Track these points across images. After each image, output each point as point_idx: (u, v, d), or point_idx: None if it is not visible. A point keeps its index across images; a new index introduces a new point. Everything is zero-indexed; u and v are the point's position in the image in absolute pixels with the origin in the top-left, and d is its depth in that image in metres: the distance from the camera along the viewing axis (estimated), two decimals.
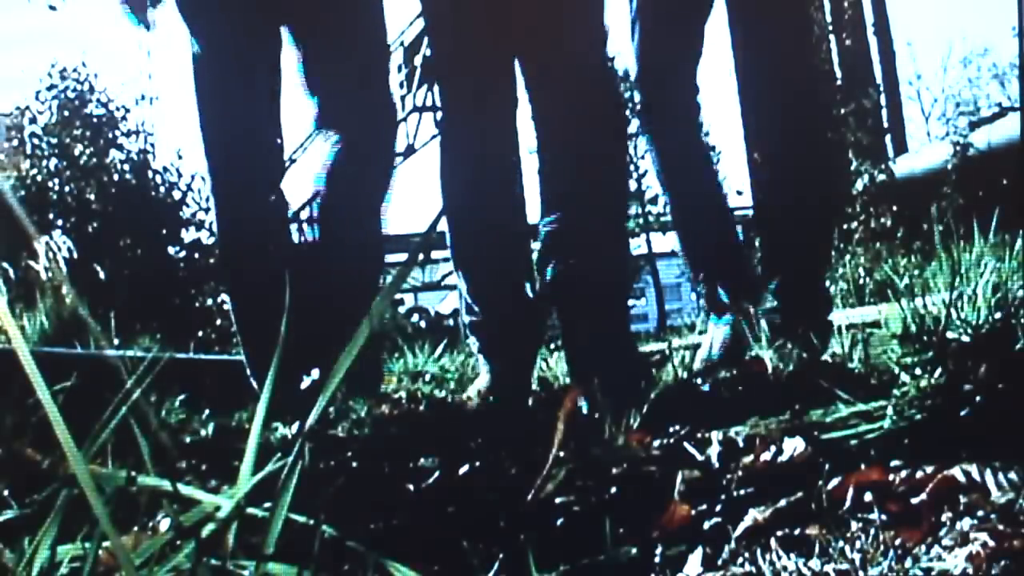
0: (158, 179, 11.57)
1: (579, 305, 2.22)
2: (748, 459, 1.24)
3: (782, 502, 0.99)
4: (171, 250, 11.36)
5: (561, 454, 1.23)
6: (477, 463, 1.40)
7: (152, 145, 11.79)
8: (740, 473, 1.17)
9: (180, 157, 11.85)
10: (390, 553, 0.64)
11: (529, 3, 2.22)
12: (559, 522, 1.06)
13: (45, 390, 0.57)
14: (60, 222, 10.67)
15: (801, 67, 2.54)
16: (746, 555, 0.88)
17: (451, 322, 13.75)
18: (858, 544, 0.84)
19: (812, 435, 1.26)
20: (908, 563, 0.80)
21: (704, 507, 1.03)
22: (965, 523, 0.85)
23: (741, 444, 1.34)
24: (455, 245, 2.37)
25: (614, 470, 1.25)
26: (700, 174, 2.65)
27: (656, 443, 1.47)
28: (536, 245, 2.32)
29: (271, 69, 2.31)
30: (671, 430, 1.55)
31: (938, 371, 1.36)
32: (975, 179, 8.97)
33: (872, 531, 0.87)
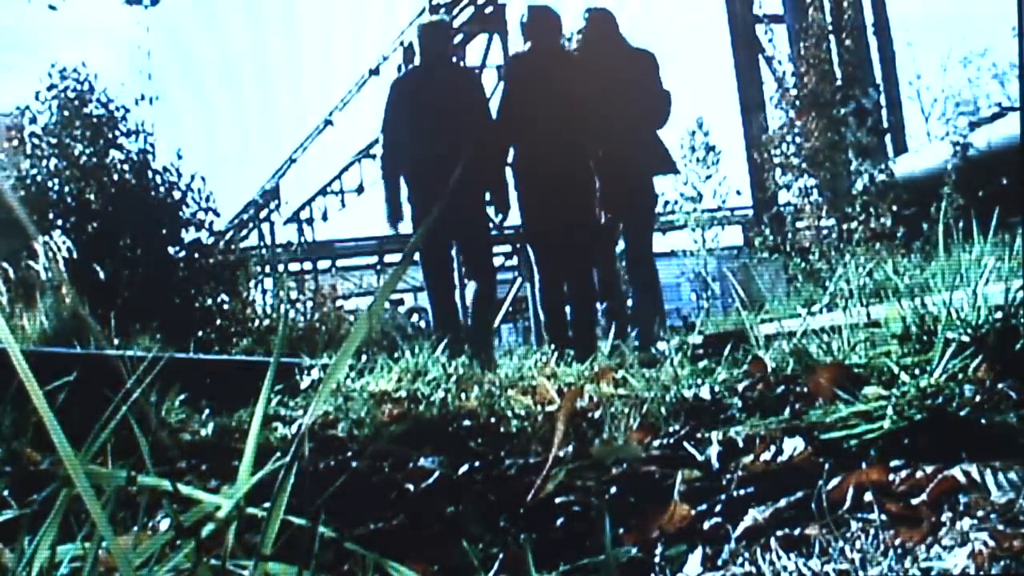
0: (158, 179, 11.55)
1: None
2: (748, 459, 1.24)
3: (782, 502, 0.99)
4: (171, 250, 11.34)
5: (561, 454, 1.23)
6: (477, 463, 1.40)
7: (152, 145, 11.75)
8: (740, 473, 1.17)
9: (180, 157, 11.83)
10: (390, 553, 0.64)
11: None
12: (559, 522, 1.06)
13: (39, 392, 0.57)
14: (60, 222, 10.65)
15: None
16: (746, 555, 0.88)
17: None
18: (858, 544, 0.84)
19: (812, 435, 1.26)
20: (908, 563, 0.80)
21: (704, 507, 1.03)
22: (965, 523, 0.85)
23: (741, 444, 1.34)
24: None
25: (614, 470, 1.25)
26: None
27: (656, 443, 1.47)
28: None
29: (449, 253, 5.70)
30: (671, 430, 1.55)
31: (938, 371, 1.36)
32: (975, 179, 8.97)
33: (872, 531, 0.86)
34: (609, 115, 5.35)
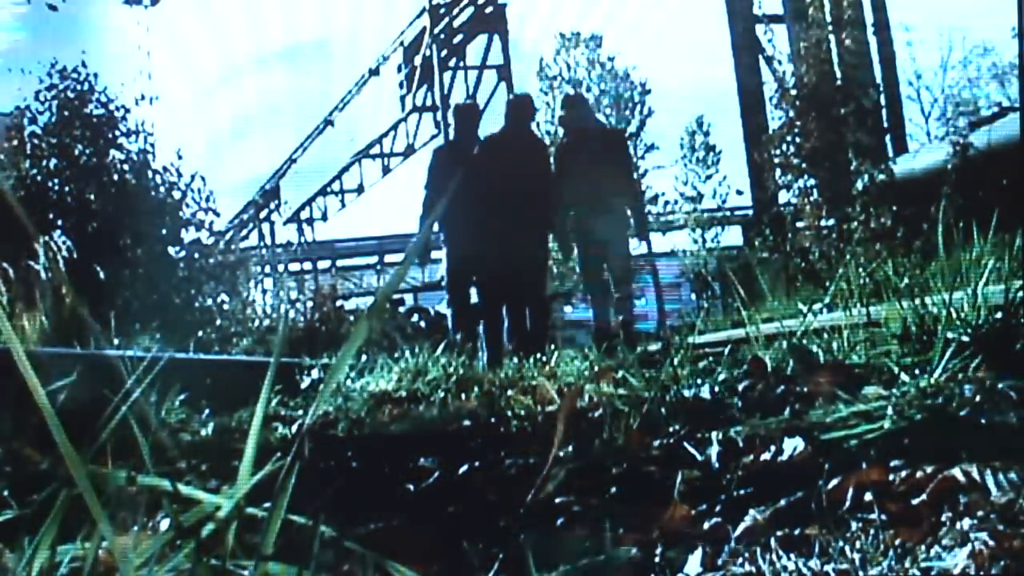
0: (158, 179, 11.54)
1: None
2: (748, 459, 1.24)
3: (782, 502, 0.99)
4: (171, 250, 11.33)
5: (561, 454, 1.23)
6: (477, 463, 1.39)
7: (152, 145, 11.74)
8: (740, 473, 1.17)
9: (180, 157, 11.81)
10: (390, 553, 0.64)
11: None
12: (559, 522, 1.06)
13: (42, 391, 0.57)
14: (60, 222, 10.64)
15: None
16: (746, 555, 0.88)
17: None
18: (858, 544, 0.84)
19: (812, 435, 1.26)
20: (908, 563, 0.80)
21: (704, 507, 1.03)
22: (965, 523, 0.85)
23: (741, 444, 1.34)
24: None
25: (614, 470, 1.25)
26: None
27: (656, 443, 1.47)
28: None
29: (471, 286, 6.95)
30: (671, 430, 1.55)
31: (938, 371, 1.36)
32: (975, 179, 8.97)
33: (872, 531, 0.86)
34: (584, 190, 6.51)
